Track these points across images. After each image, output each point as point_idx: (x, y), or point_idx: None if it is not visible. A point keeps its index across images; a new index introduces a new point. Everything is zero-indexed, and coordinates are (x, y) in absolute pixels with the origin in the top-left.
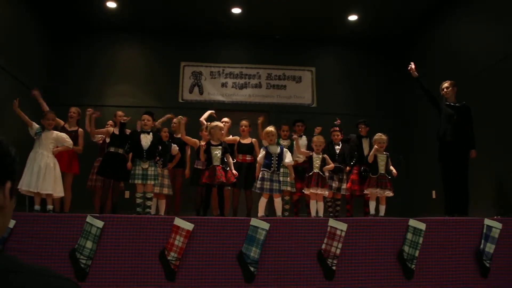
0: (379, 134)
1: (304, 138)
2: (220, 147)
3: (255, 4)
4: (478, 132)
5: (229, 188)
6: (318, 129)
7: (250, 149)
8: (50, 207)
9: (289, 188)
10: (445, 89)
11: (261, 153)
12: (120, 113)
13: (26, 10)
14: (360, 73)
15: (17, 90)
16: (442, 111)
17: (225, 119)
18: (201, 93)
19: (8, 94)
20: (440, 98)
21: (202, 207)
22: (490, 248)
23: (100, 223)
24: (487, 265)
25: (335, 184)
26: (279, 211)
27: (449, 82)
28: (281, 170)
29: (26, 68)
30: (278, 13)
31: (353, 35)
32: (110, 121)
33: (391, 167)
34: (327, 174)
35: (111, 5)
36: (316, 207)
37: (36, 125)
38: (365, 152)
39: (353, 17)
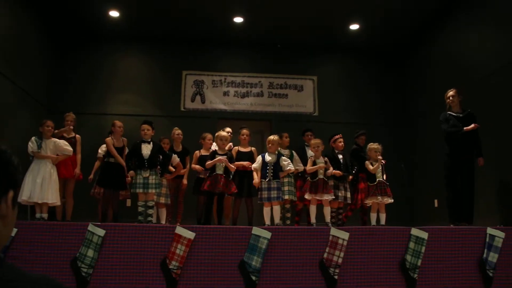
0: (372, 144)
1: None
2: (225, 156)
3: (256, 13)
4: (481, 139)
5: (231, 196)
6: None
7: (249, 158)
8: (45, 215)
9: (286, 197)
10: (450, 98)
11: (258, 160)
12: (118, 123)
13: (28, 18)
14: (361, 81)
15: (20, 98)
16: (448, 122)
17: (228, 129)
18: (203, 101)
19: (11, 102)
20: (444, 107)
21: (204, 215)
22: (493, 257)
23: (101, 232)
24: (490, 274)
25: (341, 194)
26: (277, 219)
27: (454, 90)
28: (286, 179)
29: (29, 76)
30: (280, 22)
31: (354, 44)
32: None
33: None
34: (332, 183)
35: (114, 14)
36: (315, 213)
37: (31, 144)
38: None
39: (354, 26)
